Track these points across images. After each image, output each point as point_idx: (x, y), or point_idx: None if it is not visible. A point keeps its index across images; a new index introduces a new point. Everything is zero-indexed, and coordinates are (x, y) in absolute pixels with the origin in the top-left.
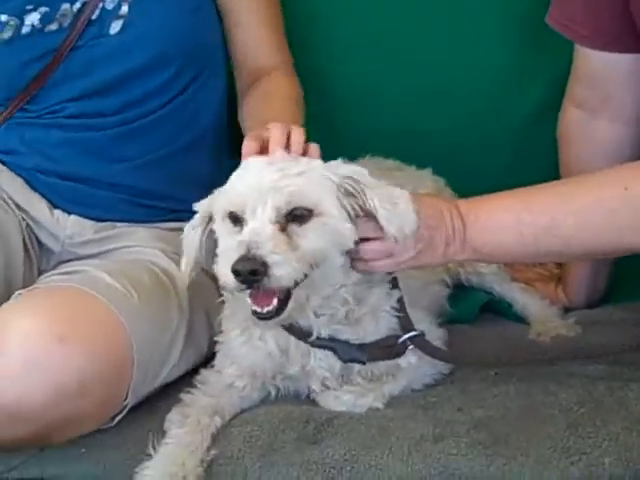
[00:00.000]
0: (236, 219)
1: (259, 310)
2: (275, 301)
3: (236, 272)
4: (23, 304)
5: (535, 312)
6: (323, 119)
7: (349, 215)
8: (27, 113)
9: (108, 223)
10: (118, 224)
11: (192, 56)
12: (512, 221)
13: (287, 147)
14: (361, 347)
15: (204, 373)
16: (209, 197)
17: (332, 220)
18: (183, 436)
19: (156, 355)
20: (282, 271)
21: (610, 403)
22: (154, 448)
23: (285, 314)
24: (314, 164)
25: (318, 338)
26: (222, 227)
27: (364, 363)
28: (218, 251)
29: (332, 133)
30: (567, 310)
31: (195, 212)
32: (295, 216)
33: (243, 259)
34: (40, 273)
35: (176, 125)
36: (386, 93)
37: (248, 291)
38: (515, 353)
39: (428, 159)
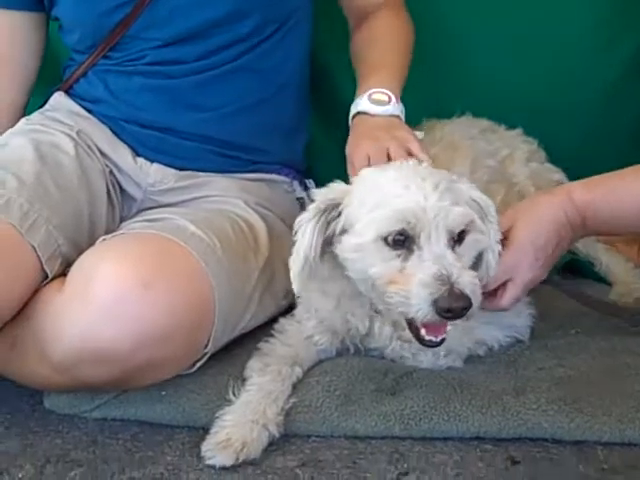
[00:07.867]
0: (397, 242)
1: (433, 339)
2: (448, 328)
3: (447, 310)
4: (108, 249)
5: (618, 273)
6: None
7: None
8: (110, 60)
9: (190, 172)
10: (200, 173)
11: (277, 4)
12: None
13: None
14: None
15: (282, 322)
16: (328, 187)
17: (482, 236)
18: (265, 384)
19: (236, 304)
20: (477, 303)
21: None
22: (234, 394)
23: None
24: (458, 183)
25: None
26: (375, 249)
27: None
28: (371, 273)
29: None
30: None
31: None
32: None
33: (451, 296)
34: (121, 220)
35: (259, 74)
36: (473, 50)
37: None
38: (596, 313)
39: (516, 118)
